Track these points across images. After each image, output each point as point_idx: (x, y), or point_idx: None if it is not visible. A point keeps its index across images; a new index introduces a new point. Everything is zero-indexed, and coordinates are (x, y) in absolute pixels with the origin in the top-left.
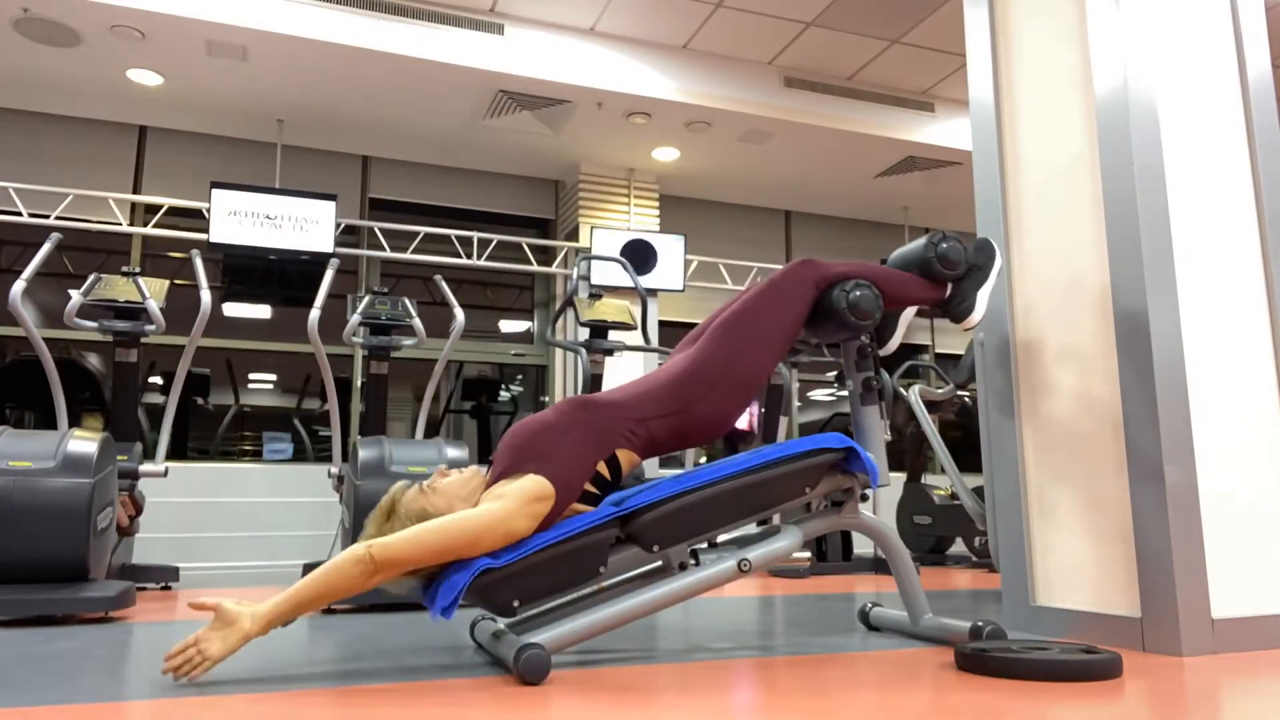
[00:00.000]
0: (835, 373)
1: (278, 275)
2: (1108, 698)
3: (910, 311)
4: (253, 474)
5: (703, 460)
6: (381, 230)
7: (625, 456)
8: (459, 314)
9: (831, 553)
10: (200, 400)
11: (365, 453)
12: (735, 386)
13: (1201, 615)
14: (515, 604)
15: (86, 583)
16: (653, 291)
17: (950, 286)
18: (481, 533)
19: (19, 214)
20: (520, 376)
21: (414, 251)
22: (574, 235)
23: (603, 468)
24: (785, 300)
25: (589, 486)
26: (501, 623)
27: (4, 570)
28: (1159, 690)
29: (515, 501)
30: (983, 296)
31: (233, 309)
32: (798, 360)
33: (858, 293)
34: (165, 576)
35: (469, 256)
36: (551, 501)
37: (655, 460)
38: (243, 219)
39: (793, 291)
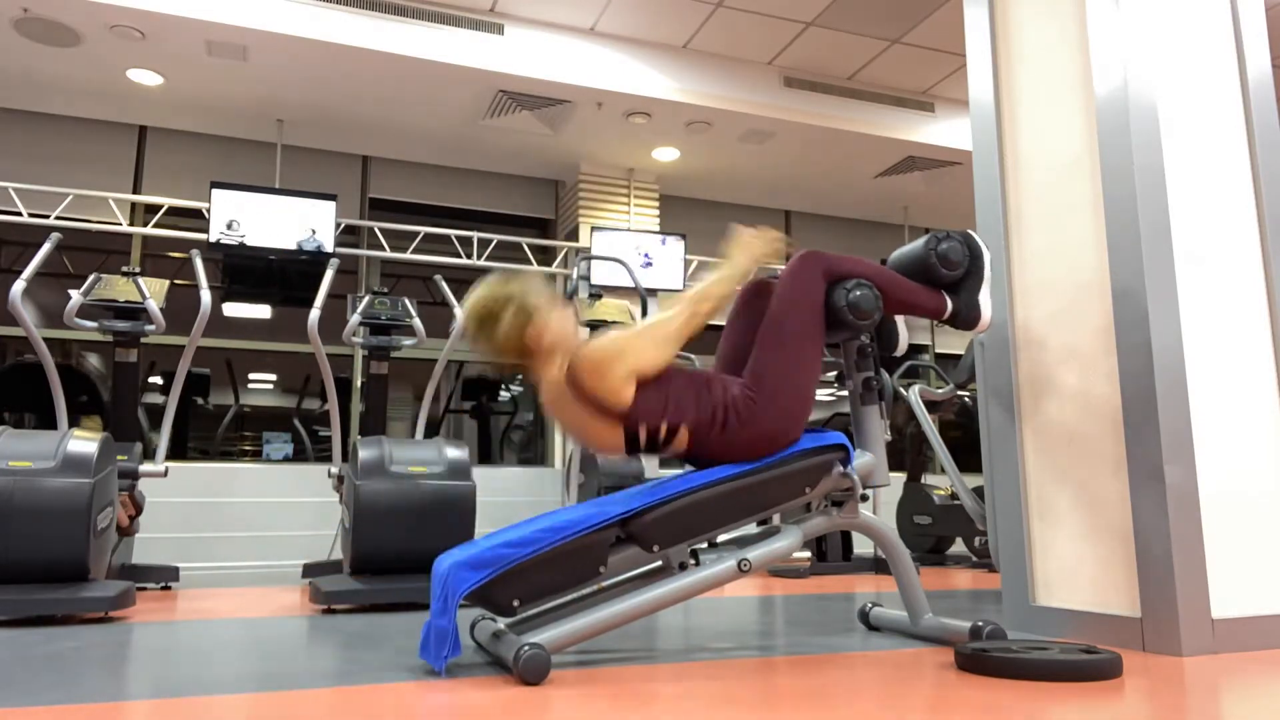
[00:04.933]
0: (835, 373)
1: (278, 275)
2: (1108, 698)
3: None
4: (253, 474)
5: None
6: (381, 230)
7: (680, 437)
8: (459, 314)
9: (831, 553)
10: (200, 400)
11: (365, 453)
12: (788, 410)
13: (1201, 615)
14: (515, 604)
15: (86, 583)
16: (652, 291)
17: (950, 301)
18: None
19: (19, 214)
20: (520, 376)
21: (414, 251)
22: (574, 235)
23: (664, 429)
24: (806, 308)
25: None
26: (501, 623)
27: (4, 570)
28: (1159, 690)
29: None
30: (985, 298)
31: (233, 309)
32: None
33: (858, 292)
34: (165, 576)
35: (469, 256)
36: (629, 405)
37: (655, 460)
38: (244, 218)
39: (809, 294)
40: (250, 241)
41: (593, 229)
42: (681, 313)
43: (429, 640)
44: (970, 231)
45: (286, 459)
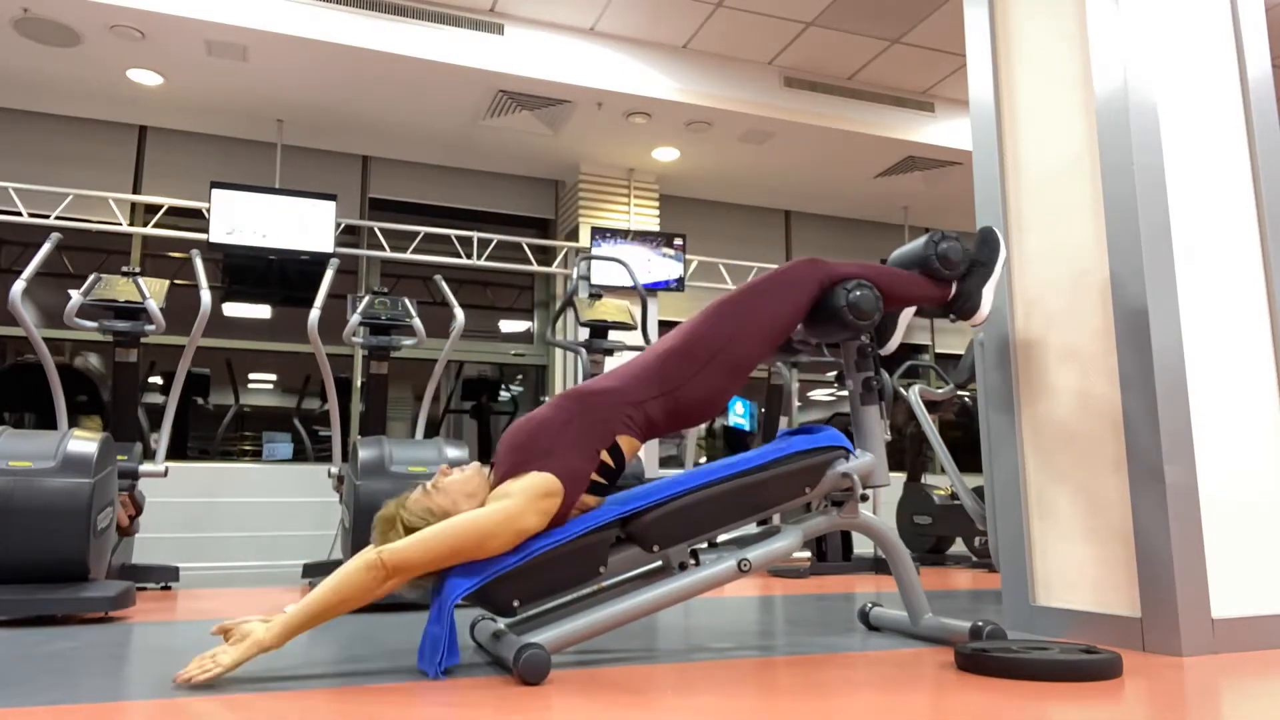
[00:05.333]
0: (835, 373)
1: (278, 275)
2: (1108, 698)
3: (909, 311)
4: (253, 474)
5: (702, 460)
6: (381, 230)
7: (627, 443)
8: (459, 314)
9: (831, 553)
10: (200, 400)
11: (365, 453)
12: (723, 369)
13: (1201, 615)
14: (515, 604)
15: (86, 583)
16: (653, 291)
17: (954, 285)
18: (491, 532)
19: (19, 214)
20: (520, 376)
21: (414, 251)
22: (574, 235)
23: (606, 457)
24: (786, 293)
25: (595, 476)
26: (501, 623)
27: (4, 570)
28: (1159, 690)
29: (524, 499)
30: (988, 292)
31: (233, 309)
32: (798, 360)
33: (858, 293)
34: (165, 576)
35: (469, 256)
36: (560, 497)
37: (655, 461)
38: (243, 219)
39: (795, 286)
40: (251, 242)
41: (593, 229)
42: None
43: (425, 648)
44: (991, 227)
45: (285, 460)
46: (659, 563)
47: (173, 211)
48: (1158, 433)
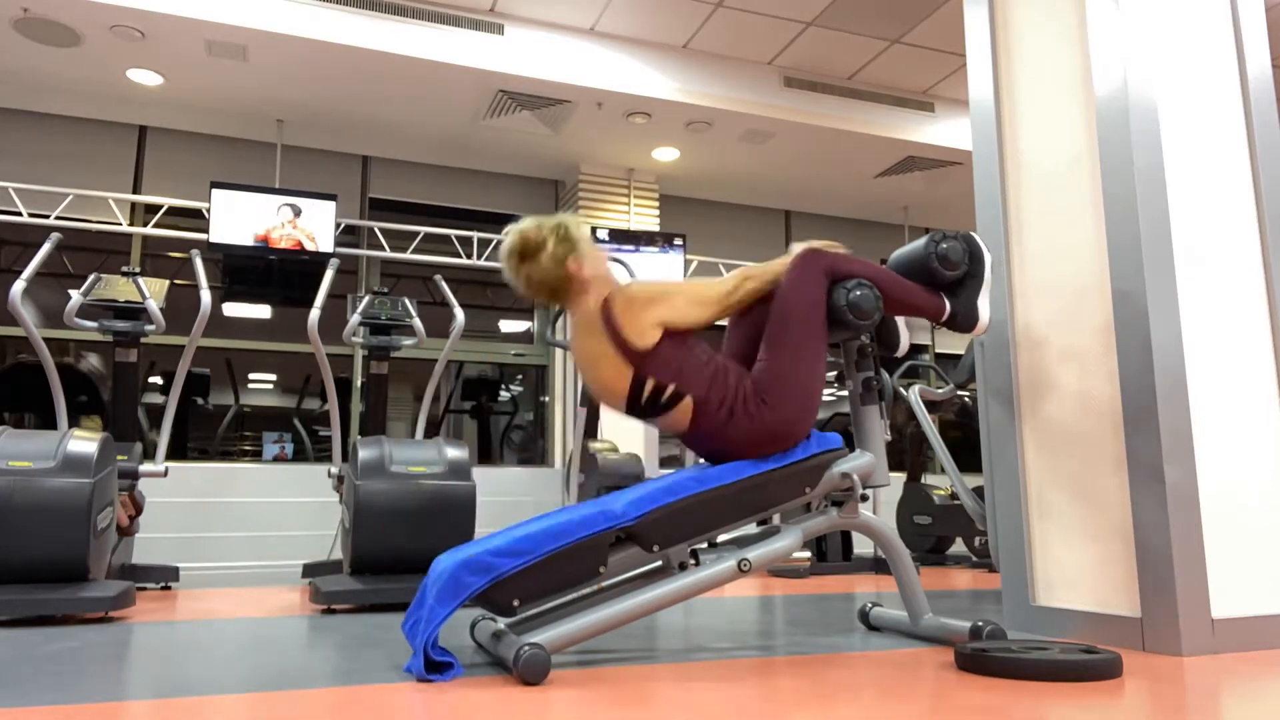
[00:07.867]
0: (835, 373)
1: (278, 275)
2: (1108, 698)
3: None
4: (253, 474)
5: (702, 460)
6: (381, 230)
7: (684, 406)
8: (459, 314)
9: (831, 553)
10: (200, 400)
11: (365, 453)
12: (799, 396)
13: (1201, 615)
14: (515, 604)
15: (86, 583)
16: None
17: (949, 304)
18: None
19: (19, 214)
20: (520, 376)
21: (414, 251)
22: None
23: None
24: (808, 306)
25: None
26: (501, 623)
27: (4, 570)
28: (1159, 690)
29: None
30: (984, 302)
31: (233, 309)
32: None
33: (858, 292)
34: (165, 576)
35: (469, 256)
36: (665, 329)
37: (656, 460)
38: (243, 218)
39: (811, 293)
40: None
41: (593, 229)
42: (726, 282)
43: (412, 668)
44: (972, 234)
45: (277, 459)
46: (659, 563)
47: (173, 211)
48: (1158, 433)
